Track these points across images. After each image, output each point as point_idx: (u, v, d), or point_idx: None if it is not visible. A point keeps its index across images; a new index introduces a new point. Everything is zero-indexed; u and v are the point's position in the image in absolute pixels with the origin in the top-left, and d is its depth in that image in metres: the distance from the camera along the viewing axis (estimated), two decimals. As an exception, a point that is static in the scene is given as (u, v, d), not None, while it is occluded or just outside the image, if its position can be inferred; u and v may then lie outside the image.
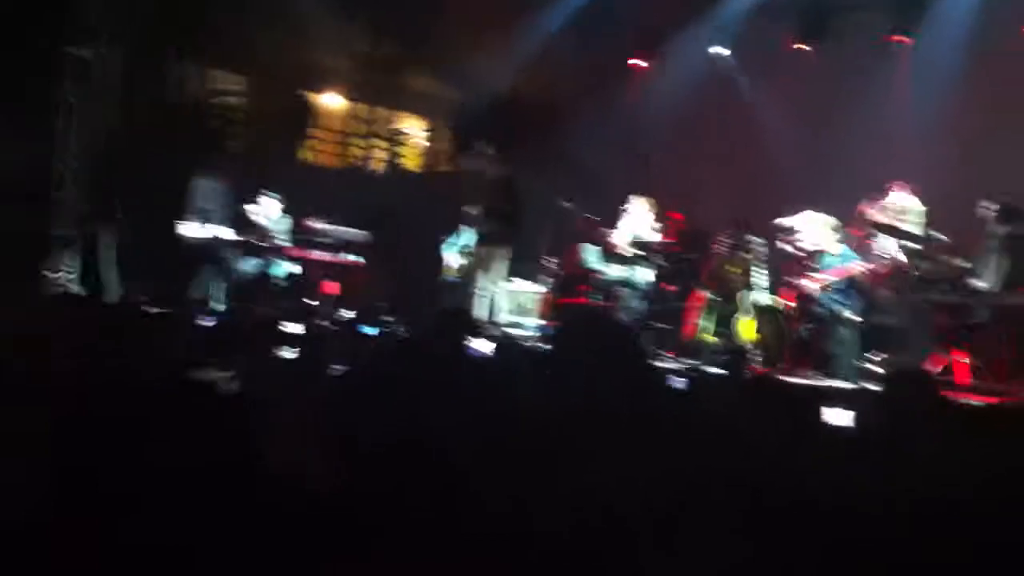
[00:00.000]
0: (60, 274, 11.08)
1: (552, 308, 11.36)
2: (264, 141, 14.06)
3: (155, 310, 7.21)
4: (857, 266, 9.39)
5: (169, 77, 13.33)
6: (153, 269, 10.54)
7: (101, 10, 11.57)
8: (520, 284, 11.44)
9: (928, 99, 11.47)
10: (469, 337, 5.01)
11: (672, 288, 10.97)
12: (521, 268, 11.21)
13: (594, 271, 10.95)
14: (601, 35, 13.52)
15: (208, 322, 8.04)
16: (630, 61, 14.49)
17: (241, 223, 11.37)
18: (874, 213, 9.85)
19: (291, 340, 6.15)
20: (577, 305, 11.17)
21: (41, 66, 11.11)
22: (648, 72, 14.35)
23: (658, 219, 11.29)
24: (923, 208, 9.80)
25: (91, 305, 8.06)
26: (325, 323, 9.98)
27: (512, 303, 11.09)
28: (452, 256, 11.12)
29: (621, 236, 11.10)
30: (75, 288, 10.69)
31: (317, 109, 15.65)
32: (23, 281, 9.83)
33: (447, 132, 16.12)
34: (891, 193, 9.96)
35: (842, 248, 9.67)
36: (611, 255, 11.03)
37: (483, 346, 5.90)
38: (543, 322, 11.01)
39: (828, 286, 9.49)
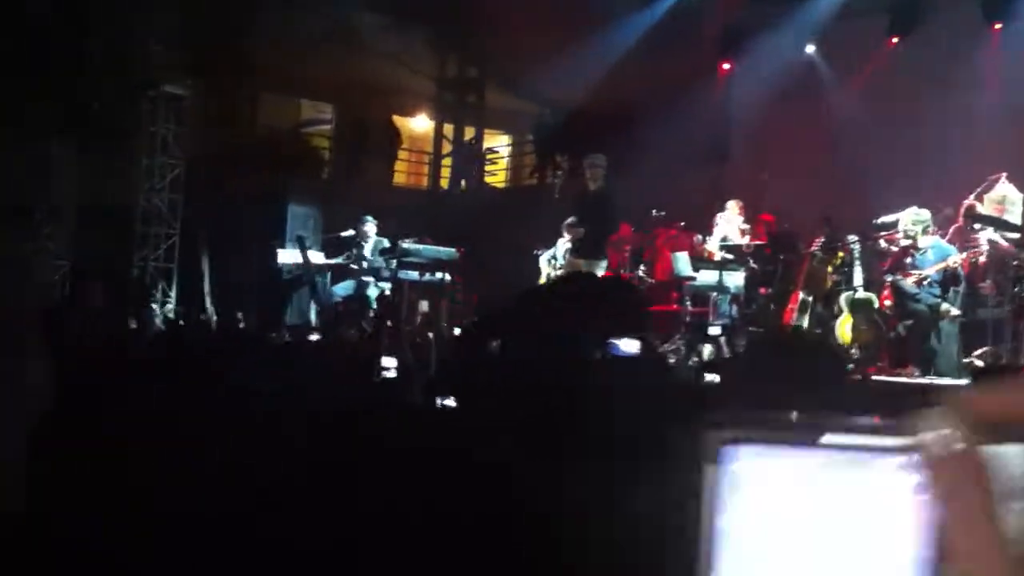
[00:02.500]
0: (161, 304, 11.41)
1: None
2: (355, 166, 14.30)
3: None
4: (953, 258, 9.12)
5: (259, 109, 13.66)
6: (252, 296, 10.83)
7: (192, 47, 11.91)
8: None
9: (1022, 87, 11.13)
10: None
11: (765, 291, 10.81)
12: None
13: (685, 277, 10.83)
14: (685, 39, 13.45)
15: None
16: (717, 64, 14.34)
17: (336, 247, 11.57)
18: (976, 205, 9.61)
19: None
20: (671, 313, 11.07)
21: (136, 102, 11.50)
22: (735, 74, 14.19)
23: (749, 221, 11.18)
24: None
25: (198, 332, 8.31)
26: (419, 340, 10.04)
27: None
28: (545, 268, 11.10)
29: (713, 241, 11.03)
30: (176, 316, 10.98)
31: (405, 132, 15.89)
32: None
33: (533, 147, 16.20)
34: (996, 183, 9.71)
35: (934, 240, 9.43)
36: (702, 260, 10.93)
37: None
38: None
39: (925, 280, 9.24)
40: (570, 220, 10.00)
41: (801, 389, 3.35)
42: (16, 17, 10.36)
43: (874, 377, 8.30)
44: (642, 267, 11.46)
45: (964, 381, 7.96)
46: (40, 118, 11.48)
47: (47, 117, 11.43)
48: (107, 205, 11.08)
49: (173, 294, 11.71)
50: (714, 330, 10.48)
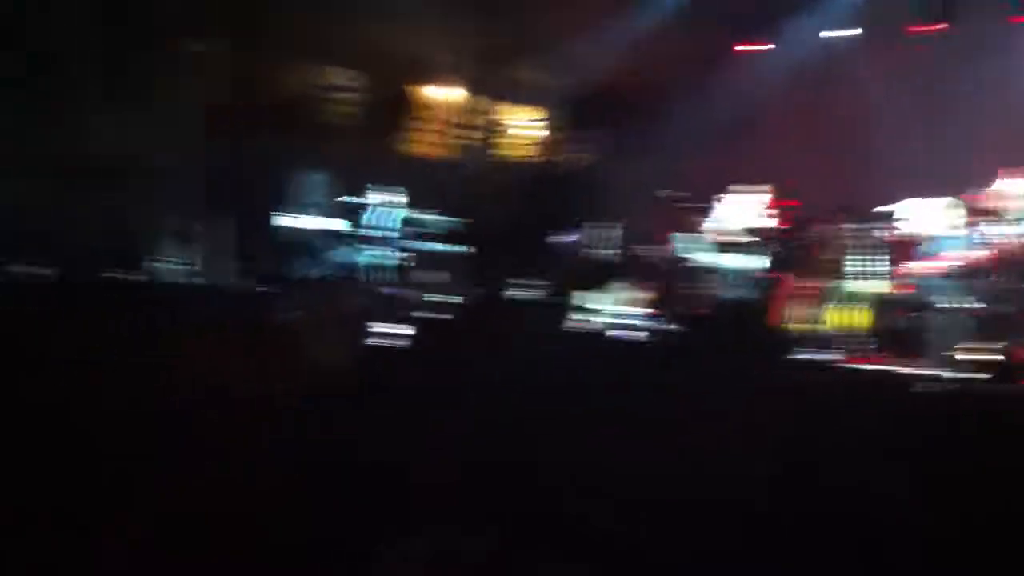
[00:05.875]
0: (170, 264, 11.48)
1: (656, 298, 11.17)
2: (373, 134, 14.29)
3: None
4: (967, 254, 9.05)
5: (278, 71, 13.64)
6: (262, 261, 10.89)
7: (211, 6, 11.92)
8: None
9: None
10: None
11: (776, 276, 10.73)
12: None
13: (688, 259, 10.81)
14: (711, 18, 13.29)
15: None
16: (742, 45, 14.18)
17: (350, 215, 11.62)
18: (988, 199, 9.52)
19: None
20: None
21: (153, 61, 11.54)
22: (761, 56, 14.02)
23: (766, 205, 11.10)
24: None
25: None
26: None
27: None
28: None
29: (727, 224, 10.97)
30: (186, 278, 11.06)
31: (424, 101, 15.85)
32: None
33: (552, 121, 16.11)
34: (1006, 179, 9.62)
35: (955, 234, 9.37)
36: (716, 243, 10.90)
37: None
38: (646, 311, 10.87)
39: (937, 273, 9.18)
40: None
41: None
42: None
43: (872, 367, 8.24)
44: (648, 246, 11.38)
45: (972, 375, 7.93)
46: (69, 71, 11.60)
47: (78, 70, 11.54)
48: (127, 160, 11.17)
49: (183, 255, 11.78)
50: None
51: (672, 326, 9.82)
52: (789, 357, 5.27)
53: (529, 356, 4.20)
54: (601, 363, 4.44)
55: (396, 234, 11.55)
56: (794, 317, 9.86)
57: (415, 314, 9.26)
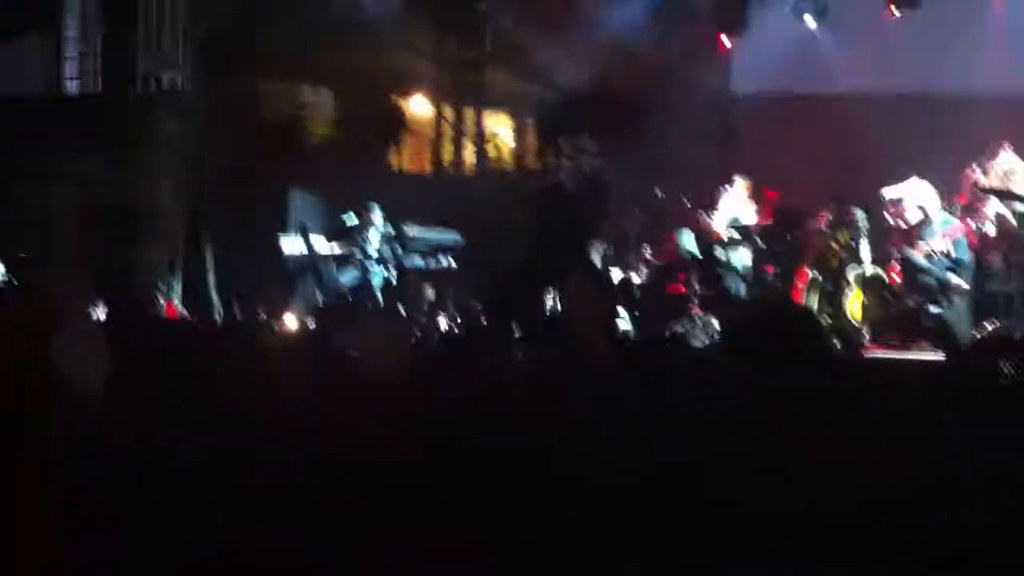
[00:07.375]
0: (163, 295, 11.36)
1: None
2: (355, 150, 14.19)
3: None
4: (958, 228, 9.09)
5: (257, 95, 13.55)
6: (254, 286, 10.79)
7: (183, 35, 11.81)
8: (617, 276, 11.24)
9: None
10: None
11: (772, 269, 10.73)
12: (616, 259, 11.10)
13: (691, 258, 10.78)
14: (683, 17, 13.29)
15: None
16: (716, 40, 14.19)
17: (339, 234, 11.50)
18: (980, 177, 9.55)
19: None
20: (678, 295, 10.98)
21: (130, 95, 11.41)
22: (735, 50, 14.04)
23: (755, 199, 11.11)
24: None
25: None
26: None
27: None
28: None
29: (718, 220, 10.97)
30: (180, 309, 10.93)
31: (404, 114, 15.76)
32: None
33: (533, 129, 16.06)
34: (999, 154, 9.64)
35: (944, 215, 9.42)
36: (709, 240, 10.88)
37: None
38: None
39: (935, 253, 9.20)
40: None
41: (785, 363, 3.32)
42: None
43: (884, 354, 8.26)
44: (647, 247, 11.37)
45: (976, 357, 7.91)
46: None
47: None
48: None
49: (178, 286, 11.66)
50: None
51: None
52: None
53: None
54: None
55: (387, 252, 11.42)
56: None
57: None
